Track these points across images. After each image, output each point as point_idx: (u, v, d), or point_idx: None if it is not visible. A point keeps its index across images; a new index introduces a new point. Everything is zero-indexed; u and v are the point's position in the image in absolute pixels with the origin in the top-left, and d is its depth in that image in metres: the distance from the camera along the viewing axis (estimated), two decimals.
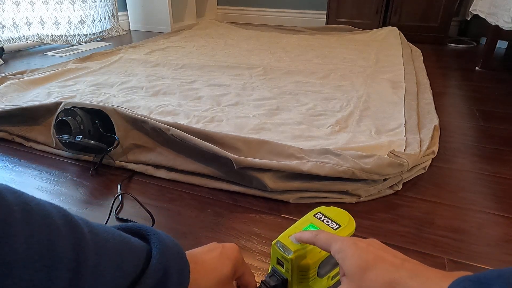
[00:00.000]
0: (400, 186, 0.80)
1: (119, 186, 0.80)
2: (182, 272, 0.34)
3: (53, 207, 0.28)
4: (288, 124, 1.04)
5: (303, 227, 0.46)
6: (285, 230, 0.46)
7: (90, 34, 2.37)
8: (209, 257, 0.40)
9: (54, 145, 0.96)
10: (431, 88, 1.41)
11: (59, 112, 0.90)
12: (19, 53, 2.02)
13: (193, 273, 0.36)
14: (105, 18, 2.48)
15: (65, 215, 0.28)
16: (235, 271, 0.42)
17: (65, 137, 0.86)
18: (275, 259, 0.46)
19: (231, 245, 0.43)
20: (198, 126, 1.02)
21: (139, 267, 0.31)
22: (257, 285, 0.45)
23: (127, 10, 2.79)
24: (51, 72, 1.50)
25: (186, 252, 0.38)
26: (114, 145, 0.87)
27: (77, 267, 0.26)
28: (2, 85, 1.32)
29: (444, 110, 1.25)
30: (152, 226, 0.67)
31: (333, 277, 0.47)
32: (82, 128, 0.87)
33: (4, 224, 0.23)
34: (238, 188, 0.78)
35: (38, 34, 2.08)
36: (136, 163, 0.88)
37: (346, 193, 0.76)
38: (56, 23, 2.16)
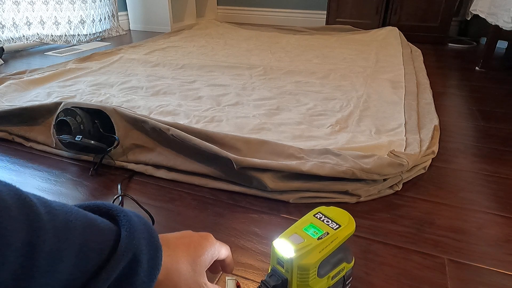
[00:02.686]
0: (400, 186, 0.80)
1: (119, 186, 0.80)
2: (153, 257, 0.32)
3: (4, 185, 0.25)
4: (288, 124, 1.04)
5: (303, 227, 0.46)
6: (285, 230, 0.46)
7: (90, 34, 2.37)
8: (182, 242, 0.38)
9: (54, 145, 0.96)
10: (431, 88, 1.41)
11: (59, 112, 0.90)
12: (19, 53, 2.02)
13: (166, 257, 0.34)
14: (105, 18, 2.48)
15: (17, 194, 0.25)
16: (211, 259, 0.40)
17: (65, 137, 0.86)
18: (275, 259, 0.46)
19: (205, 234, 0.42)
20: (198, 126, 1.02)
21: (106, 251, 0.29)
22: (257, 286, 0.45)
23: (127, 10, 2.79)
24: (51, 72, 1.50)
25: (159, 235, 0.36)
26: (114, 145, 0.87)
27: (31, 251, 0.24)
28: (2, 85, 1.32)
29: (444, 110, 1.25)
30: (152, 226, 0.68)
31: (333, 277, 0.47)
32: (82, 128, 0.87)
33: None
34: (238, 188, 0.78)
35: (38, 34, 2.08)
36: (136, 163, 0.88)
37: (346, 193, 0.76)
38: (56, 23, 2.16)
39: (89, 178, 0.84)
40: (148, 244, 0.32)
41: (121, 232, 0.30)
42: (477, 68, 1.80)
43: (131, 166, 0.87)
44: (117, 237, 0.30)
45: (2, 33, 1.88)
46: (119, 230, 0.31)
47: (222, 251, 0.43)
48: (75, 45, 2.26)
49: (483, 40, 2.41)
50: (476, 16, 1.99)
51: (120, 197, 0.76)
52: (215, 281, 0.55)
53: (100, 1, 2.41)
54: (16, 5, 1.92)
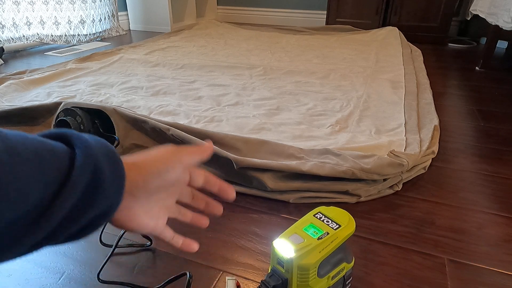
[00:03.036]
0: (400, 186, 0.80)
1: None
2: (115, 169, 0.30)
3: None
4: (288, 124, 1.04)
5: (303, 227, 0.46)
6: (285, 230, 0.46)
7: (90, 34, 2.37)
8: (150, 157, 0.35)
9: None
10: (431, 88, 1.41)
11: (59, 112, 0.90)
12: (19, 53, 2.02)
13: (130, 171, 0.32)
14: (105, 18, 2.48)
15: None
16: (178, 178, 0.36)
17: None
18: (275, 259, 0.46)
19: (178, 148, 0.38)
20: (198, 126, 1.02)
21: (64, 170, 0.27)
22: (257, 286, 0.45)
23: (127, 10, 2.79)
24: (51, 72, 1.50)
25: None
26: (114, 145, 0.87)
27: None
28: (2, 85, 1.32)
29: (444, 110, 1.25)
30: None
31: (333, 277, 0.47)
32: (82, 128, 0.87)
33: None
34: (238, 188, 0.78)
35: (38, 34, 2.08)
36: None
37: (346, 193, 0.76)
38: (56, 23, 2.17)
39: None
40: (107, 157, 0.30)
41: (76, 151, 0.28)
42: (477, 68, 1.80)
43: None
44: (73, 157, 0.28)
45: (2, 33, 1.88)
46: (75, 152, 0.28)
47: (194, 174, 0.39)
48: (75, 45, 2.26)
49: (483, 40, 2.41)
50: (476, 16, 1.99)
51: None
52: (215, 281, 0.56)
53: (100, 1, 2.41)
54: (16, 5, 1.92)
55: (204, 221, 0.43)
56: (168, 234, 0.39)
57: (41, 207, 0.25)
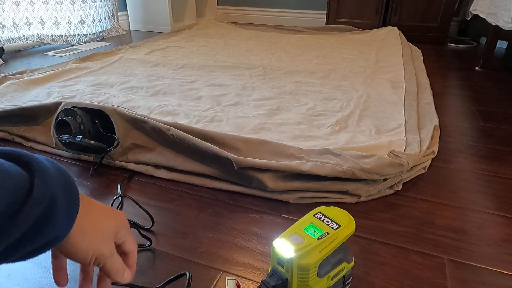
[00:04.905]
0: (400, 186, 0.80)
1: (119, 186, 0.80)
2: (71, 200, 0.30)
3: None
4: (288, 124, 1.04)
5: (303, 227, 0.46)
6: (285, 230, 0.46)
7: (90, 34, 2.37)
8: (98, 203, 0.37)
9: (54, 145, 0.96)
10: (431, 88, 1.41)
11: (59, 112, 0.90)
12: (19, 53, 2.02)
13: (83, 210, 0.33)
14: (105, 18, 2.48)
15: None
16: (118, 231, 0.38)
17: (65, 137, 0.86)
18: (275, 259, 0.46)
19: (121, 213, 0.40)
20: (198, 126, 1.02)
21: (19, 196, 0.26)
22: (257, 286, 0.45)
23: (127, 10, 2.79)
24: (51, 72, 1.50)
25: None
26: (114, 145, 0.87)
27: None
28: (2, 85, 1.32)
29: (444, 110, 1.25)
30: (152, 226, 0.68)
31: (333, 277, 0.47)
32: (82, 128, 0.87)
33: None
34: (238, 188, 0.78)
35: (38, 34, 2.08)
36: (136, 163, 0.88)
37: (346, 193, 0.76)
38: (56, 23, 2.16)
39: (89, 178, 0.84)
40: (65, 187, 0.30)
41: (35, 176, 0.28)
42: (477, 68, 1.79)
43: (131, 166, 0.87)
44: (31, 183, 0.28)
45: (2, 33, 1.88)
46: (32, 177, 0.28)
47: (129, 240, 0.40)
48: (75, 45, 2.26)
49: (483, 40, 2.41)
50: (476, 16, 1.99)
51: (120, 197, 0.76)
52: (215, 281, 0.56)
53: (100, 1, 2.41)
54: (16, 5, 1.92)
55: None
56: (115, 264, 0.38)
57: None
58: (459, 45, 2.32)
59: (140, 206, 0.70)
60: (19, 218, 0.26)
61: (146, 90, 1.33)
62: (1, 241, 0.26)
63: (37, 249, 0.30)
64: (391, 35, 2.28)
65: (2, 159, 0.28)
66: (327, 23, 2.62)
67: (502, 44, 2.23)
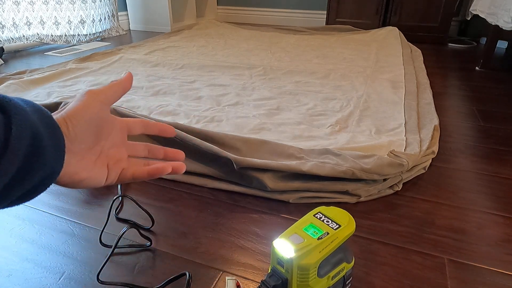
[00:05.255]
0: (400, 186, 0.80)
1: (119, 186, 0.80)
2: (53, 132, 0.30)
3: None
4: (288, 124, 1.04)
5: (303, 227, 0.46)
6: (285, 230, 0.46)
7: (90, 34, 2.37)
8: (73, 107, 0.34)
9: None
10: (431, 88, 1.41)
11: None
12: (19, 53, 2.02)
13: (62, 127, 0.32)
14: (105, 18, 2.48)
15: None
16: (124, 122, 0.37)
17: None
18: (275, 259, 0.46)
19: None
20: (198, 126, 1.02)
21: (0, 138, 0.26)
22: (257, 286, 0.45)
23: (127, 10, 2.79)
24: (51, 72, 1.50)
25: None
26: None
27: None
28: (2, 85, 1.32)
29: (444, 110, 1.25)
30: (152, 226, 0.68)
31: (333, 277, 0.47)
32: None
33: None
34: (238, 188, 0.78)
35: (38, 34, 2.08)
36: None
37: (346, 193, 0.76)
38: (56, 23, 2.17)
39: None
40: (44, 121, 0.29)
41: (12, 116, 0.27)
42: (477, 68, 1.79)
43: None
44: (8, 123, 0.27)
45: (2, 33, 1.88)
46: (8, 118, 0.27)
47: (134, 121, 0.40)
48: (75, 45, 2.26)
49: (483, 40, 2.41)
50: (476, 16, 1.99)
51: (120, 198, 0.76)
52: (215, 281, 0.56)
53: (100, 1, 2.41)
54: (16, 5, 1.92)
55: (181, 155, 0.42)
56: (136, 172, 0.38)
57: None
58: (459, 45, 2.32)
59: (140, 206, 0.70)
60: (6, 160, 0.26)
61: (146, 90, 1.33)
62: None
63: (37, 186, 0.29)
64: (391, 35, 2.28)
65: None
66: (327, 23, 2.62)
67: (502, 44, 2.23)
